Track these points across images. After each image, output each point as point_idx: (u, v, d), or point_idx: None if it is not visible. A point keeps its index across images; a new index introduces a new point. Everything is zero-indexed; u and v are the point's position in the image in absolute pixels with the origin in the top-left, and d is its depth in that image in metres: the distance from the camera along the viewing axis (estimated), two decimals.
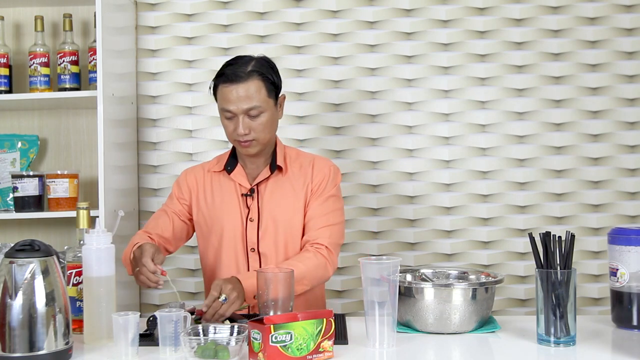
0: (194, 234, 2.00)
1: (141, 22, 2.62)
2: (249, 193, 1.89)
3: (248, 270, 1.87)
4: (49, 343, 1.31)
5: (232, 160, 1.94)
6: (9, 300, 1.29)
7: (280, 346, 1.28)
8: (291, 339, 1.28)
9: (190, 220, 1.97)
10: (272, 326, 1.27)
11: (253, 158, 1.91)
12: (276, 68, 1.89)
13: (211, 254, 1.92)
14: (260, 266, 1.86)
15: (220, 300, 1.56)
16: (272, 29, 2.60)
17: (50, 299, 1.32)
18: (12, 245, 1.35)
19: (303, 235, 1.89)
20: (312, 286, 1.82)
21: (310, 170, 1.92)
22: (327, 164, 1.96)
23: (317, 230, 1.86)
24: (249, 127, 1.81)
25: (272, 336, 1.27)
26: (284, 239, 1.87)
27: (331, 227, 1.87)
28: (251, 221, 1.88)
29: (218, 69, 2.56)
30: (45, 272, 1.32)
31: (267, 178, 1.90)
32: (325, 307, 2.05)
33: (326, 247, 1.84)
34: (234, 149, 1.96)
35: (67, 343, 1.34)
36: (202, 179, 1.96)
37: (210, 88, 1.89)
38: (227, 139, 2.57)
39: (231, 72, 1.81)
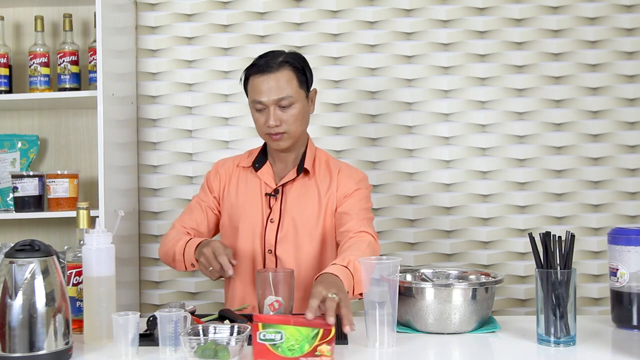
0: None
1: (141, 22, 2.62)
2: (273, 193, 1.87)
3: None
4: (49, 343, 1.31)
5: (261, 157, 1.93)
6: (9, 300, 1.29)
7: (269, 344, 1.27)
8: (281, 338, 1.27)
9: (220, 212, 1.97)
10: (260, 324, 1.27)
11: (283, 155, 1.90)
12: (307, 62, 1.89)
13: (231, 246, 1.89)
14: (276, 267, 1.84)
15: (331, 297, 1.40)
16: (272, 29, 2.60)
17: (50, 299, 1.32)
18: (12, 245, 1.35)
19: (322, 242, 1.86)
20: None
21: (337, 175, 1.89)
22: (356, 172, 1.93)
23: (357, 222, 1.80)
24: (279, 119, 1.80)
25: (259, 333, 1.27)
26: (302, 244, 1.85)
27: (368, 219, 1.84)
28: (271, 222, 1.86)
29: (218, 68, 2.60)
30: (45, 272, 1.32)
31: (293, 180, 1.88)
32: None
33: (370, 234, 1.78)
34: (265, 145, 1.94)
35: (67, 343, 1.34)
36: (232, 173, 1.95)
37: (240, 80, 1.89)
38: (228, 139, 2.59)
39: (263, 63, 1.81)
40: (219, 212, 1.96)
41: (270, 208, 1.87)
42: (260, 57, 1.85)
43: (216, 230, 1.98)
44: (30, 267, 1.31)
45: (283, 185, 1.88)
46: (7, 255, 1.32)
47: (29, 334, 1.29)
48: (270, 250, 1.85)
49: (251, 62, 1.87)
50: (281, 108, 1.80)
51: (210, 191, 1.96)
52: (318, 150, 1.97)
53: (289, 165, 1.91)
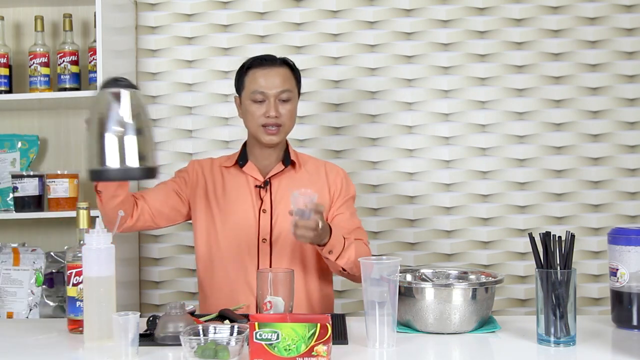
0: (182, 222, 2.02)
1: (141, 22, 2.62)
2: (262, 185, 1.92)
3: (258, 261, 1.87)
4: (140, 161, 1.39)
5: (243, 156, 1.97)
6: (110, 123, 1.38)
7: (265, 344, 1.27)
8: (277, 338, 1.27)
9: (186, 202, 1.96)
10: (256, 323, 1.27)
11: (267, 153, 1.94)
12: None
13: (216, 246, 1.91)
14: (270, 257, 1.87)
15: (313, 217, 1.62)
16: (272, 29, 2.60)
17: (140, 124, 1.41)
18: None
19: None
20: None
21: (324, 172, 1.98)
22: (340, 169, 2.03)
23: (352, 231, 1.89)
24: (278, 111, 1.87)
25: (256, 333, 1.27)
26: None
27: (360, 229, 1.95)
28: (264, 212, 1.90)
29: (218, 68, 2.60)
30: (135, 102, 1.42)
31: (281, 172, 1.93)
32: (332, 307, 2.05)
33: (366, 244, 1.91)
34: (244, 148, 1.99)
35: (153, 164, 1.42)
36: (211, 172, 1.98)
37: (243, 70, 1.92)
38: (228, 139, 2.59)
39: (266, 57, 1.91)
40: (187, 201, 1.96)
41: (261, 199, 1.91)
42: (256, 58, 1.93)
43: (168, 217, 1.95)
44: (126, 94, 1.42)
45: (271, 178, 1.93)
46: (104, 86, 1.45)
47: (123, 152, 1.38)
48: (265, 239, 1.88)
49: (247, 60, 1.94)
50: (281, 102, 1.88)
51: (184, 178, 1.97)
52: (296, 151, 2.05)
53: (273, 162, 1.95)
